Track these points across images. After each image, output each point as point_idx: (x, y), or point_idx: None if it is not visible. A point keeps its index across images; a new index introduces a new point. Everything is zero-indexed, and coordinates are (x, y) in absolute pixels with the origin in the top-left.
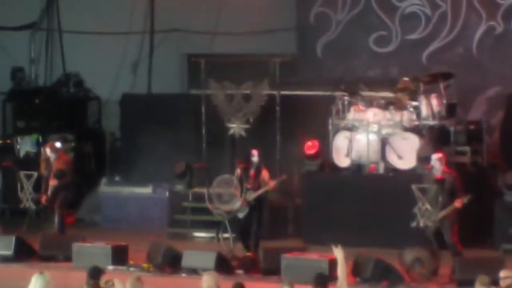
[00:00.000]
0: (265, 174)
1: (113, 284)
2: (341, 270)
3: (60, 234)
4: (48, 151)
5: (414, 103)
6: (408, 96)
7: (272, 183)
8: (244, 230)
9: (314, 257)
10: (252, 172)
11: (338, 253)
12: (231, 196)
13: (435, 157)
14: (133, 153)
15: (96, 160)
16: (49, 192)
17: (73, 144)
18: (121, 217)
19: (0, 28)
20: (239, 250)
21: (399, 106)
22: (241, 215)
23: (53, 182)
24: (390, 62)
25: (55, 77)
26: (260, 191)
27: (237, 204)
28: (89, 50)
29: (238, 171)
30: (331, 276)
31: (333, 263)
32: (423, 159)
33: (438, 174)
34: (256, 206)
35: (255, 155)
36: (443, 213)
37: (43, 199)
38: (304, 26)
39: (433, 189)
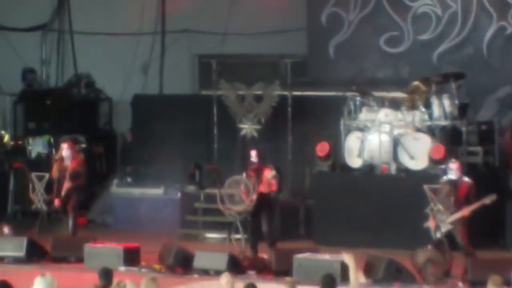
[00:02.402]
0: (267, 174)
1: (125, 285)
2: (353, 275)
3: (73, 236)
4: (63, 151)
5: (425, 104)
6: (420, 97)
7: (262, 185)
8: (252, 231)
9: (326, 258)
10: (250, 172)
11: (348, 259)
12: (242, 197)
13: (454, 167)
14: (144, 154)
15: (107, 161)
16: (62, 194)
17: (84, 145)
18: (132, 218)
19: (11, 30)
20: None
21: (411, 105)
22: (249, 217)
23: (67, 184)
24: (401, 62)
25: (66, 78)
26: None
27: (244, 205)
28: (100, 51)
29: (250, 172)
30: (344, 276)
31: (345, 264)
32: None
33: (452, 177)
34: (263, 207)
35: (253, 156)
36: (452, 218)
37: (56, 202)
38: (316, 26)
39: (445, 190)
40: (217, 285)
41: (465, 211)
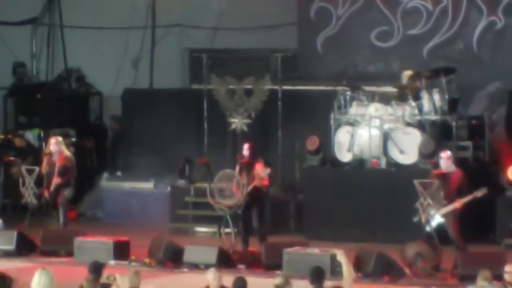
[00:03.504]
0: (258, 168)
1: (114, 279)
2: (346, 271)
3: (64, 229)
4: (51, 146)
5: (415, 98)
6: (410, 90)
7: (255, 179)
8: (244, 225)
9: (315, 252)
10: (239, 167)
11: (341, 255)
12: (232, 191)
13: (444, 156)
14: (135, 148)
15: (97, 155)
16: (51, 189)
17: (74, 139)
18: (122, 212)
19: (2, 23)
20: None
21: (401, 96)
22: (239, 211)
23: (56, 180)
24: (391, 57)
25: (57, 72)
26: (249, 187)
27: (236, 199)
28: (90, 45)
29: (238, 166)
30: (333, 270)
31: (335, 258)
32: (425, 155)
33: (442, 170)
34: (254, 202)
35: (245, 149)
36: (444, 210)
37: (46, 193)
38: (305, 21)
39: (435, 184)
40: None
41: (457, 204)
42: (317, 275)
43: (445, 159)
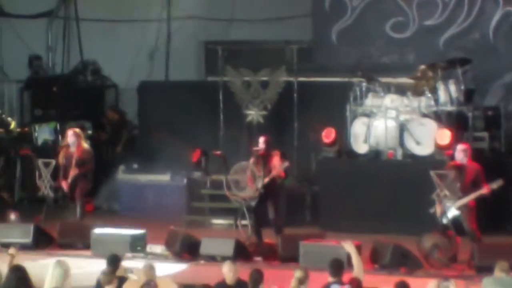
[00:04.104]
0: (275, 161)
1: (131, 272)
2: (356, 261)
3: (80, 222)
4: (68, 138)
5: (432, 90)
6: (427, 83)
7: (275, 171)
8: (257, 218)
9: (332, 244)
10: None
11: (348, 247)
12: (248, 183)
13: (460, 148)
14: (151, 141)
15: (113, 148)
16: (69, 180)
17: (90, 132)
18: (139, 204)
19: (17, 17)
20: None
21: (417, 92)
22: (253, 203)
23: (73, 171)
24: (407, 48)
25: (72, 65)
26: (266, 179)
27: (250, 191)
28: (106, 38)
29: (253, 158)
30: (350, 262)
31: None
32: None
33: (458, 161)
34: (269, 194)
35: (261, 142)
36: (460, 202)
37: (64, 184)
38: (320, 12)
39: (452, 175)
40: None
41: (473, 196)
42: (337, 267)
43: (462, 152)
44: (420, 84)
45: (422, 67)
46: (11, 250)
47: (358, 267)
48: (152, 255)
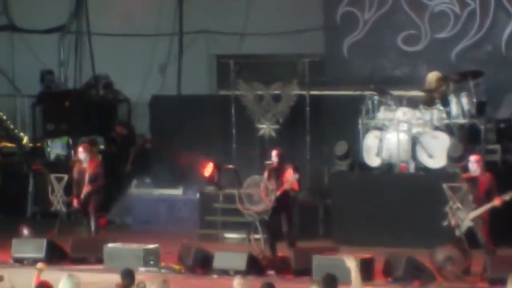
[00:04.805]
0: (288, 174)
1: (144, 286)
2: (355, 278)
3: (93, 236)
4: (79, 153)
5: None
6: (438, 94)
7: (287, 184)
8: (271, 231)
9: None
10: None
11: (350, 262)
12: (261, 197)
13: (473, 159)
14: (163, 155)
15: (122, 163)
16: (82, 196)
17: (102, 147)
18: (152, 218)
19: (30, 32)
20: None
21: (429, 100)
22: (266, 217)
23: (86, 188)
24: (419, 61)
25: (85, 80)
26: (278, 192)
27: (264, 205)
28: (118, 52)
29: (266, 172)
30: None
31: (364, 262)
32: (453, 158)
33: (471, 173)
34: (283, 207)
35: (274, 155)
36: (473, 214)
37: (75, 202)
38: (332, 25)
39: (464, 188)
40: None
41: (485, 208)
42: (329, 283)
43: (475, 163)
44: (431, 94)
45: (433, 74)
46: (39, 265)
47: (355, 283)
48: (165, 269)
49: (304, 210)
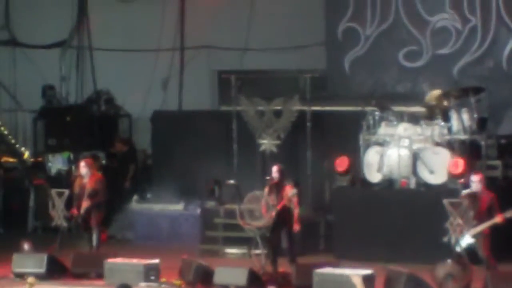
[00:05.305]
0: (288, 190)
1: None
2: None
3: (94, 251)
4: (80, 168)
5: (444, 117)
6: (440, 110)
7: (285, 200)
8: (272, 246)
9: (345, 272)
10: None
11: (356, 279)
12: (262, 212)
13: (476, 179)
14: (164, 170)
15: (122, 179)
16: (82, 211)
17: (104, 162)
18: (152, 234)
19: (31, 47)
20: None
21: (430, 115)
22: (267, 232)
23: (86, 203)
24: (420, 77)
25: (86, 95)
26: (278, 207)
27: (265, 220)
28: (119, 67)
29: (267, 188)
30: None
31: (365, 278)
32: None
33: (472, 189)
34: (283, 222)
35: (274, 171)
36: (474, 230)
37: (75, 211)
38: (333, 41)
39: (465, 204)
40: None
41: (486, 225)
42: None
43: (477, 182)
44: (432, 110)
45: (435, 92)
46: (30, 280)
47: None
48: (166, 284)
49: (306, 225)
